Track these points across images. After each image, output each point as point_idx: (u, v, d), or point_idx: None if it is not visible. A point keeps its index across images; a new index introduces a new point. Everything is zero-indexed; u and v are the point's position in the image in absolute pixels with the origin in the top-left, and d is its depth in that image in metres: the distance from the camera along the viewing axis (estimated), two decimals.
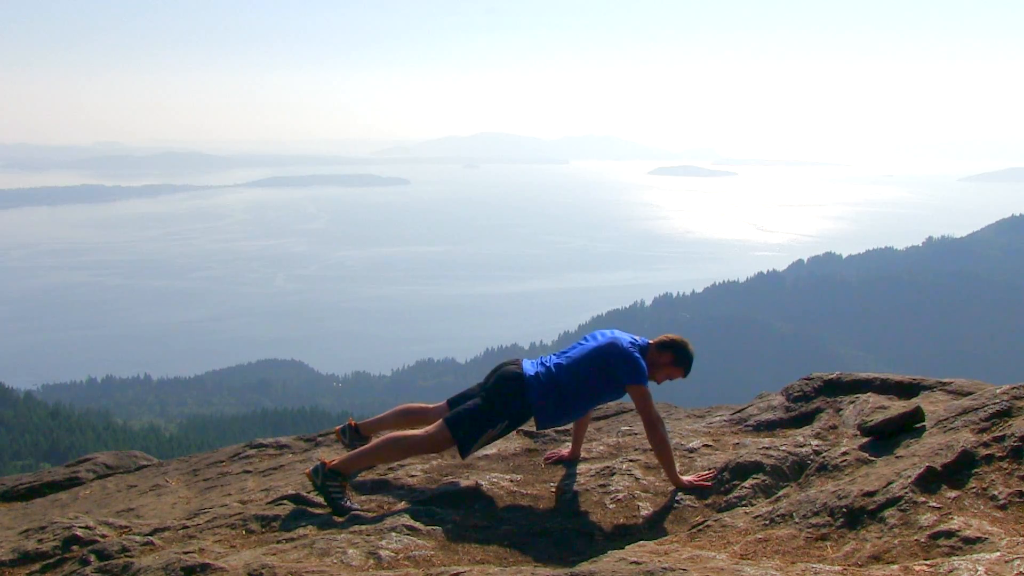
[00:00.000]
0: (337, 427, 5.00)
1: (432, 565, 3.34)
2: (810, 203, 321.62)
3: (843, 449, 3.95)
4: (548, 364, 4.42)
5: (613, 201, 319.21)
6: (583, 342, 4.55)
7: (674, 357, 4.45)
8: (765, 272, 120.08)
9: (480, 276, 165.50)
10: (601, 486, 4.28)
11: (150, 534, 3.93)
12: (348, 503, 4.08)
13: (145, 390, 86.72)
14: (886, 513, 3.09)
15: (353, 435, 4.87)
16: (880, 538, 2.96)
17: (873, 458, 3.72)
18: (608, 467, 4.53)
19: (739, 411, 5.36)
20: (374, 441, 4.48)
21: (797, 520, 3.28)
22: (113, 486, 5.82)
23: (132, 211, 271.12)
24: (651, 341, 4.50)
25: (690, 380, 4.63)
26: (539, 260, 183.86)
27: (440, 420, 4.32)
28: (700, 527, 3.55)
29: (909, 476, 3.25)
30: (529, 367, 4.41)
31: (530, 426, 4.63)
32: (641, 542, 3.48)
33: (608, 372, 4.32)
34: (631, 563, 2.90)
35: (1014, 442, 3.34)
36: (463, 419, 4.26)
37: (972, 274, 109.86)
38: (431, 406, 4.77)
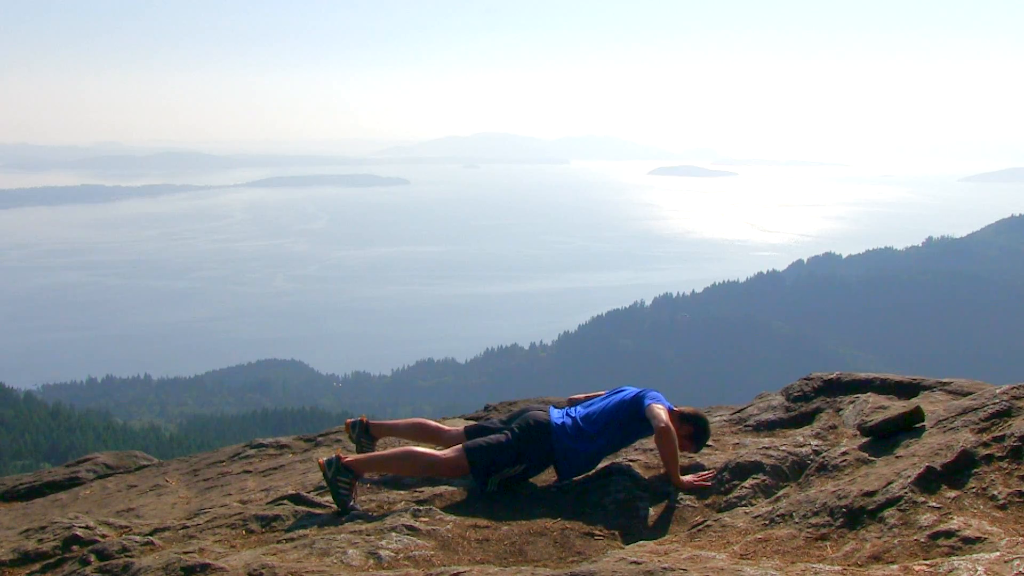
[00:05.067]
0: (348, 420, 5.02)
1: (432, 565, 3.34)
2: (810, 203, 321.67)
3: (843, 449, 3.95)
4: (575, 415, 4.53)
5: (613, 201, 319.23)
6: (610, 396, 4.67)
7: (693, 431, 4.53)
8: (765, 272, 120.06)
9: (480, 276, 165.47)
10: (601, 486, 4.29)
11: (150, 534, 3.94)
12: (352, 502, 4.12)
13: (145, 390, 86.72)
14: (886, 513, 3.09)
15: (362, 432, 4.90)
16: (880, 538, 2.96)
17: (873, 458, 3.72)
18: (608, 467, 4.54)
19: (739, 411, 5.36)
20: (390, 450, 4.53)
21: (797, 520, 3.28)
22: (113, 486, 5.83)
23: (132, 211, 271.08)
24: (675, 408, 4.58)
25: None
26: (539, 260, 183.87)
27: (460, 447, 4.36)
28: (700, 527, 3.56)
29: (909, 476, 3.25)
30: (556, 416, 4.52)
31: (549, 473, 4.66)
32: (641, 542, 3.49)
33: (634, 415, 4.43)
34: (631, 563, 2.90)
35: (1014, 442, 3.35)
36: (483, 452, 4.31)
37: (972, 274, 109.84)
38: (447, 428, 4.83)
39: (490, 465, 4.29)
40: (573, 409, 4.61)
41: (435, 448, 4.60)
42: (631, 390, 4.61)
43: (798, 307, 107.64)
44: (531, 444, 4.37)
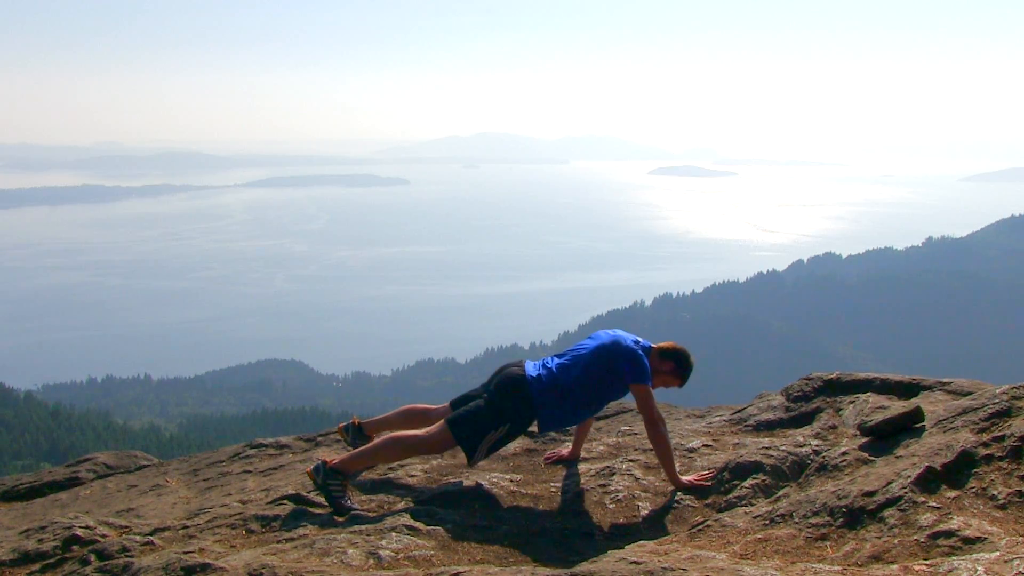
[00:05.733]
0: (340, 424, 5.00)
1: (432, 565, 3.34)
2: (810, 203, 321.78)
3: (843, 449, 3.95)
4: (550, 366, 4.38)
5: (613, 201, 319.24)
6: (586, 342, 4.51)
7: (675, 366, 4.44)
8: (765, 272, 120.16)
9: (480, 276, 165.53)
10: (601, 486, 4.28)
11: (150, 534, 3.93)
12: (349, 503, 4.09)
13: (145, 390, 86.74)
14: (886, 513, 3.08)
15: (356, 433, 4.87)
16: (880, 538, 2.95)
17: (873, 458, 3.72)
18: (608, 467, 4.53)
19: (739, 411, 5.35)
20: (374, 442, 4.47)
21: (797, 520, 3.28)
22: (113, 486, 5.82)
23: (132, 211, 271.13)
24: (653, 346, 4.47)
25: (691, 379, 4.62)
26: (539, 260, 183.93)
27: (441, 421, 4.30)
28: (700, 527, 3.55)
29: (909, 476, 3.25)
30: (531, 369, 4.38)
31: (533, 428, 4.62)
32: (641, 542, 3.48)
33: (612, 371, 4.29)
34: (631, 563, 2.90)
35: (1014, 442, 3.34)
36: (464, 420, 4.24)
37: (972, 274, 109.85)
38: (434, 407, 4.75)
39: (473, 433, 4.20)
40: (550, 359, 4.45)
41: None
42: (603, 338, 4.41)
43: (798, 307, 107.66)
44: (510, 402, 4.25)
